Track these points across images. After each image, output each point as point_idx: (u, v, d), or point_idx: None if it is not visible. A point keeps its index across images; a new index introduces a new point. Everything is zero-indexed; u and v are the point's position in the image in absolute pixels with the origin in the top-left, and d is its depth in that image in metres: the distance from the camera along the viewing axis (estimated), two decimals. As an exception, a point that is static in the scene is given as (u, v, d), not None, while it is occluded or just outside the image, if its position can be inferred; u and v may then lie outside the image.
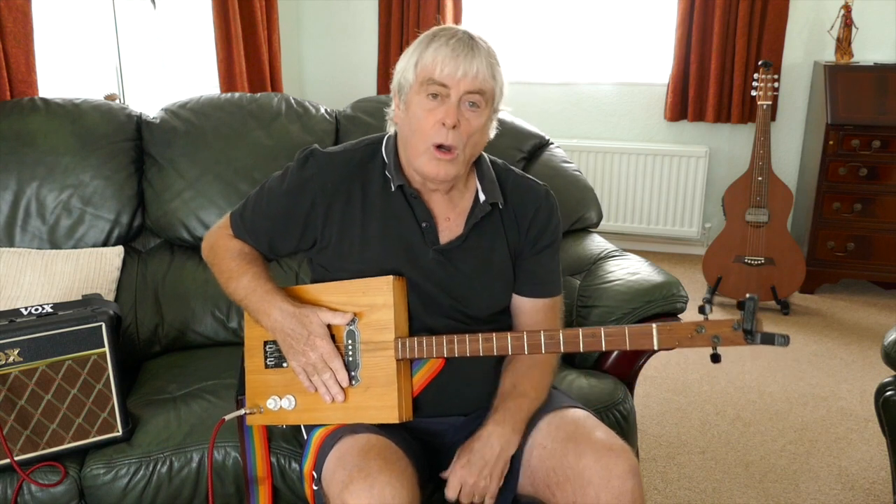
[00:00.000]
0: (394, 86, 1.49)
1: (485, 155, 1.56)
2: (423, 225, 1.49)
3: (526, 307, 1.57)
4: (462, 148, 1.42)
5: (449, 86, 1.38)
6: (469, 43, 1.39)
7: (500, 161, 1.62)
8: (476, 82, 1.39)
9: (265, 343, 1.55)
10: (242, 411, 1.56)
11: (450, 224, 1.52)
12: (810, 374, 3.06)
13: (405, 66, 1.45)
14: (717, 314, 3.64)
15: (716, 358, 1.23)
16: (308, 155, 1.53)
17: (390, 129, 1.56)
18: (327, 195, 1.50)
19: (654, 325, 1.25)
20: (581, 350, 1.34)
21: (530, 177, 1.62)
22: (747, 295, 1.19)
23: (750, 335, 1.17)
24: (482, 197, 1.52)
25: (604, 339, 1.30)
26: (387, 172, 1.51)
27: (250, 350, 1.57)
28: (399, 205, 1.50)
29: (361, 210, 1.50)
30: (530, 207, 1.56)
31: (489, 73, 1.41)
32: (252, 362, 1.57)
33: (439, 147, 1.41)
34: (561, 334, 1.34)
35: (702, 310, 1.23)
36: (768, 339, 1.16)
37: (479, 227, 1.52)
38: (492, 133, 1.50)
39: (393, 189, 1.49)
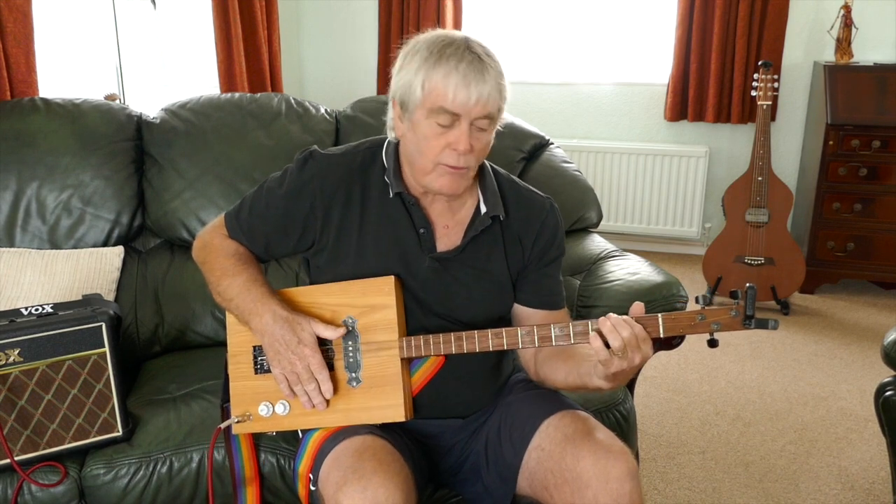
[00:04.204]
0: (395, 95, 1.42)
1: (487, 163, 1.54)
2: (421, 231, 1.48)
3: (533, 319, 1.55)
4: (473, 165, 1.42)
5: (460, 114, 1.35)
6: (479, 66, 1.33)
7: (503, 171, 1.59)
8: (486, 108, 1.35)
9: (254, 348, 1.52)
10: (235, 419, 1.53)
11: (448, 232, 1.51)
12: (810, 374, 3.06)
13: (411, 81, 1.37)
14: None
15: (713, 343, 1.31)
16: (307, 157, 1.52)
17: (390, 135, 1.52)
18: (326, 198, 1.49)
19: (659, 315, 1.30)
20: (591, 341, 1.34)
21: (534, 189, 1.60)
22: (747, 284, 1.28)
23: (749, 321, 1.27)
24: (483, 209, 1.50)
25: (611, 328, 1.31)
26: (386, 178, 1.50)
27: (236, 356, 1.54)
28: (397, 210, 1.49)
29: (360, 214, 1.49)
30: (535, 222, 1.54)
31: (498, 95, 1.36)
32: (238, 369, 1.54)
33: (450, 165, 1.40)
34: (571, 327, 1.35)
35: (697, 300, 1.32)
36: (762, 324, 1.27)
37: (478, 239, 1.51)
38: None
39: (391, 195, 1.49)
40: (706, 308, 1.30)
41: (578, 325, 1.35)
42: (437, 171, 1.41)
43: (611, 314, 1.30)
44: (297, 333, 1.41)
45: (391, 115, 1.47)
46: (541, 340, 1.37)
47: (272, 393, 1.51)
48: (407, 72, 1.38)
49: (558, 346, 1.38)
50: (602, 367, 1.31)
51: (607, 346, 1.28)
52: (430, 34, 1.41)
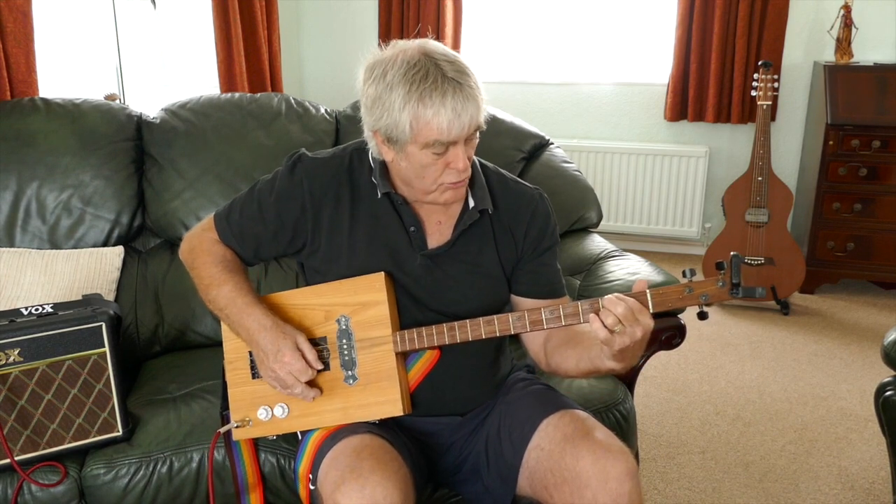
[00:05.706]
0: (376, 128, 1.39)
1: (475, 158, 1.55)
2: (411, 230, 1.49)
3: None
4: (470, 170, 1.43)
5: (457, 140, 1.35)
6: (461, 91, 1.32)
7: (490, 165, 1.60)
8: (477, 123, 1.36)
9: (251, 353, 1.52)
10: (234, 424, 1.53)
11: (440, 227, 1.52)
12: (810, 374, 3.06)
13: (396, 120, 1.33)
14: (716, 311, 3.64)
15: (703, 315, 1.32)
16: (296, 160, 1.53)
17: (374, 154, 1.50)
18: (316, 200, 1.50)
19: (647, 291, 1.31)
20: (581, 322, 1.35)
21: (522, 181, 1.61)
22: (732, 253, 1.29)
23: (736, 289, 1.28)
24: (472, 203, 1.51)
25: (602, 308, 1.32)
26: (373, 179, 1.50)
27: (233, 363, 1.55)
28: (386, 210, 1.50)
29: (350, 215, 1.50)
30: (524, 213, 1.55)
31: (482, 104, 1.36)
32: (236, 375, 1.54)
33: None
34: (561, 309, 1.36)
35: (684, 273, 1.32)
36: (749, 293, 1.28)
37: (468, 234, 1.51)
38: None
39: (379, 196, 1.49)
40: (693, 281, 1.31)
41: (569, 307, 1.35)
42: (440, 189, 1.42)
43: (605, 296, 1.31)
44: (277, 342, 1.42)
45: (373, 142, 1.45)
46: (532, 325, 1.38)
47: (270, 397, 1.51)
48: (385, 108, 1.35)
49: (550, 328, 1.39)
50: (606, 347, 1.31)
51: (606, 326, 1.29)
52: (391, 57, 1.36)
